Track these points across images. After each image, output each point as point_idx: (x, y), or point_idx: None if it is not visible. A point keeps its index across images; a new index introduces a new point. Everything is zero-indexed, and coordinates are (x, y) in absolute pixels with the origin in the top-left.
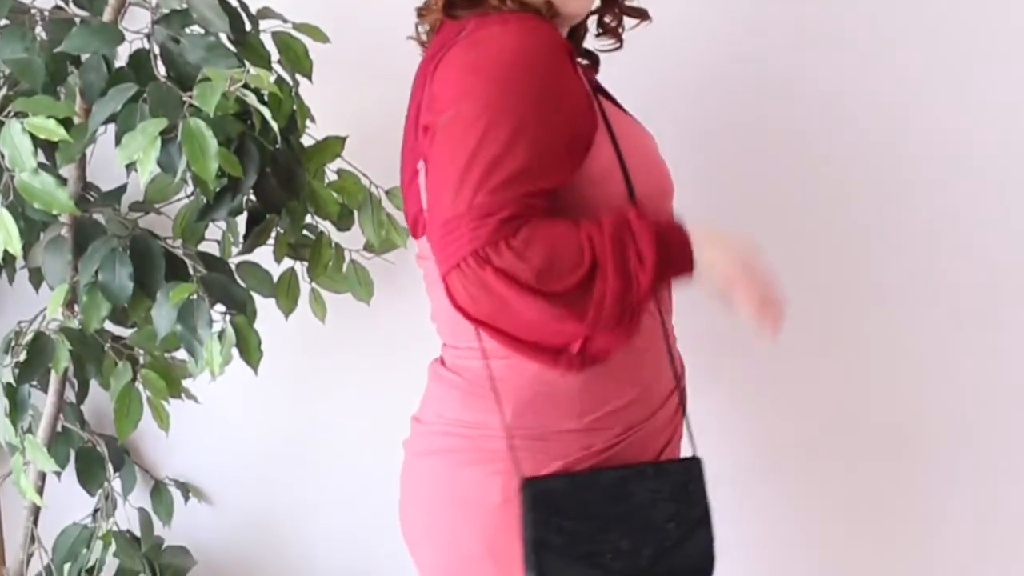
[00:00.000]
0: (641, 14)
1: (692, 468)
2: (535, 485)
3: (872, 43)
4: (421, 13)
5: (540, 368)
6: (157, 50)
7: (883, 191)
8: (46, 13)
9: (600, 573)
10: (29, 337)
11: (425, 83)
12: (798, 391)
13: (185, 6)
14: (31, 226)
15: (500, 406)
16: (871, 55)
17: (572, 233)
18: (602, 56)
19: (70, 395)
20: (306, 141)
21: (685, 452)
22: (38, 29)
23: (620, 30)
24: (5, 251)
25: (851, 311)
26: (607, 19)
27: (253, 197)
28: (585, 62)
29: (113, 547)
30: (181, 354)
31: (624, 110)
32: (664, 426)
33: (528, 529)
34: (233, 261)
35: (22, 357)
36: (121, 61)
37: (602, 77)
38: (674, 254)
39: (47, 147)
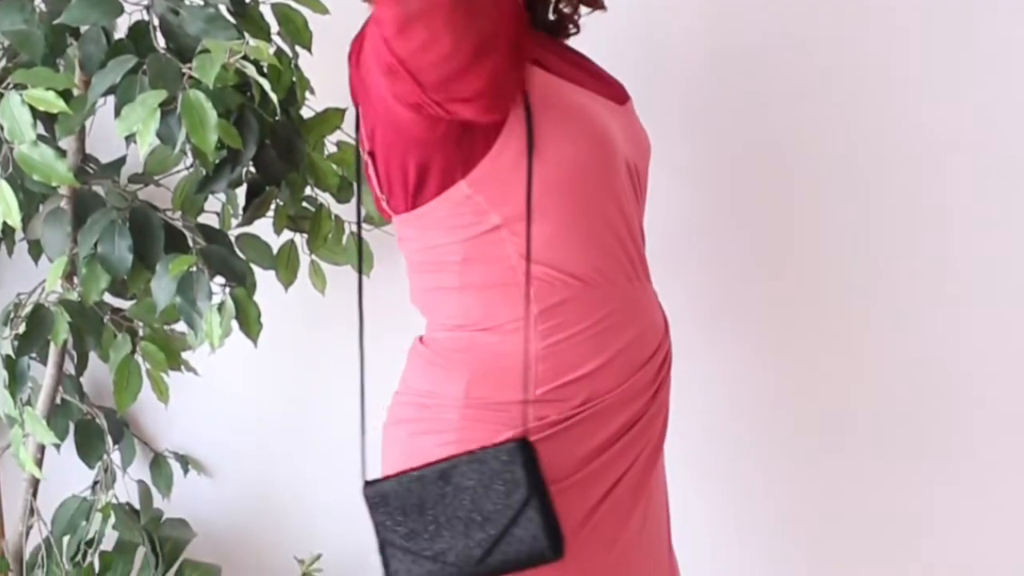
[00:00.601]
0: (595, 3)
1: (513, 452)
2: (370, 487)
3: (871, 41)
4: None
5: (499, 339)
6: (156, 22)
7: (883, 187)
8: None
9: (440, 568)
10: (28, 309)
11: None
12: (796, 384)
13: None
14: (30, 198)
15: (457, 376)
16: (874, 54)
17: None
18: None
19: (69, 367)
20: (306, 113)
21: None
22: (37, 1)
23: (576, 17)
24: (4, 223)
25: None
26: (562, 5)
27: (253, 169)
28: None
29: (112, 519)
30: (180, 326)
31: (595, 91)
32: (639, 393)
33: (375, 531)
34: (232, 233)
35: (21, 329)
36: (120, 33)
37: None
38: None
39: (46, 119)
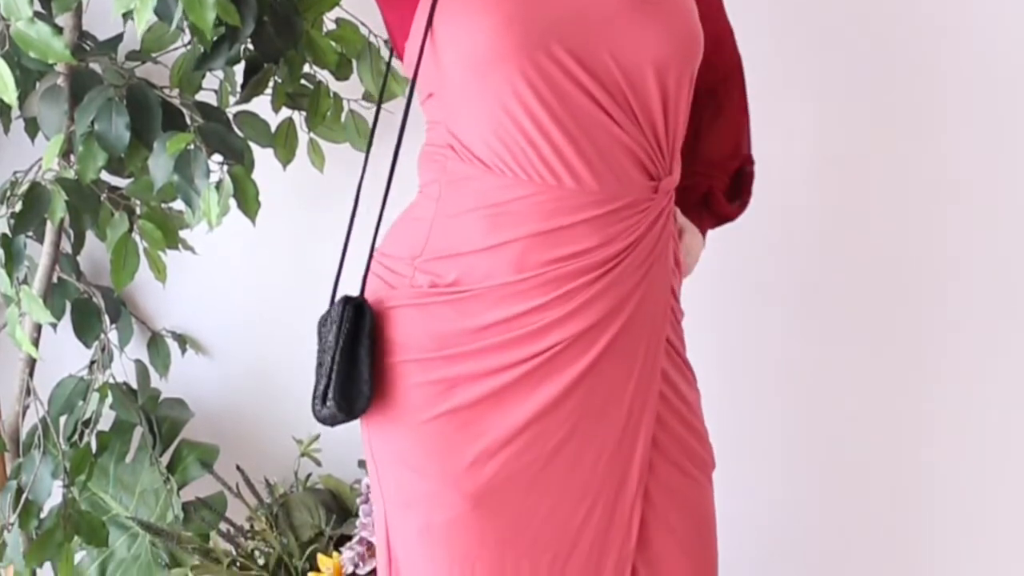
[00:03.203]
0: None
1: (340, 306)
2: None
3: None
4: None
5: (420, 201)
6: None
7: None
8: None
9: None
10: (25, 187)
11: None
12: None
13: None
14: (27, 76)
15: (399, 234)
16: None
17: None
18: None
19: (66, 246)
20: None
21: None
22: None
23: None
24: (1, 101)
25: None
26: None
27: (251, 46)
28: None
29: (109, 399)
30: (178, 205)
31: None
32: (524, 296)
33: None
34: (230, 111)
35: (18, 208)
36: None
37: None
38: None
39: None
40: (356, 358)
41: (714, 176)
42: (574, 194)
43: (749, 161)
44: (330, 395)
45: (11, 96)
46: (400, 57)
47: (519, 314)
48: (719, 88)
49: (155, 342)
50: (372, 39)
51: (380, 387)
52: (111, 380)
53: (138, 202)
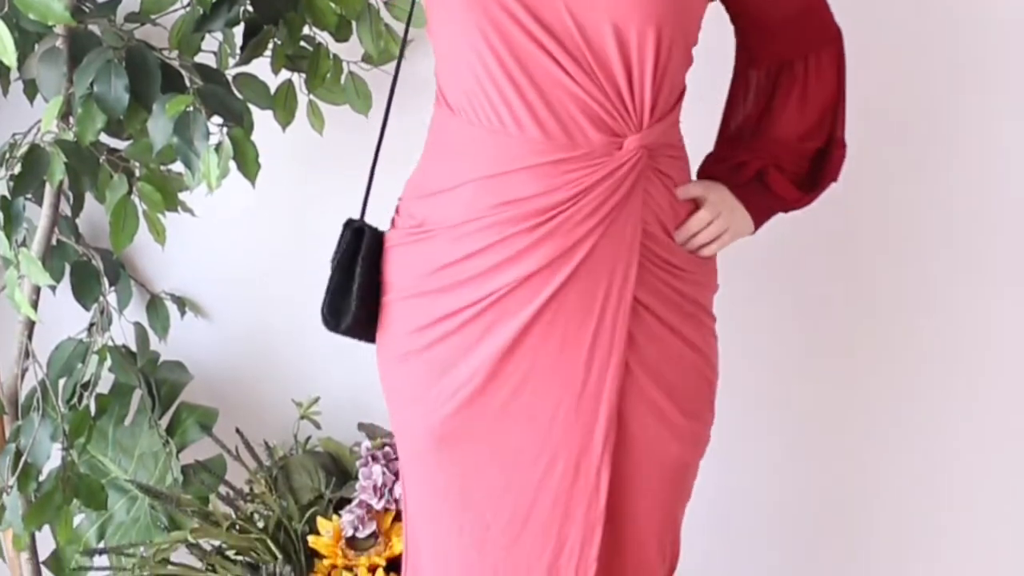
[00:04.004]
0: None
1: (345, 226)
2: None
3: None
4: None
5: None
6: None
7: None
8: None
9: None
10: (24, 149)
11: None
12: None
13: None
14: (26, 37)
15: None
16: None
17: None
18: None
19: (65, 208)
20: None
21: None
22: None
23: None
24: (0, 63)
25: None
26: None
27: (250, 7)
28: None
29: (108, 362)
30: (178, 167)
31: None
32: (476, 235)
33: None
34: (230, 73)
35: (17, 170)
36: None
37: None
38: None
39: None
40: (351, 277)
41: (780, 155)
42: (517, 141)
43: (837, 145)
44: (323, 307)
45: (10, 58)
46: None
47: (464, 257)
48: (798, 62)
49: (154, 304)
50: (371, 0)
51: (380, 325)
52: (110, 343)
53: (137, 164)
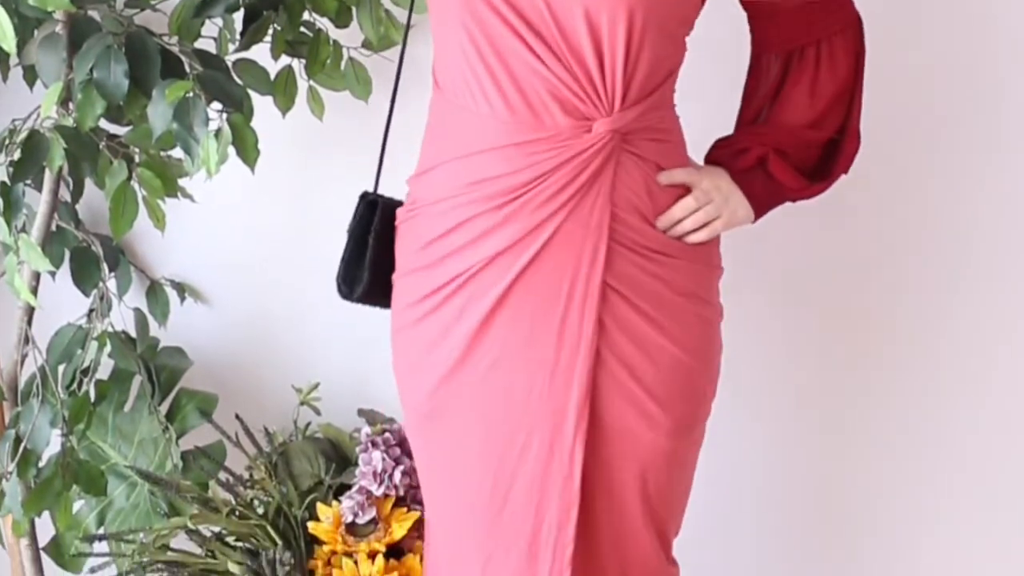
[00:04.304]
0: None
1: (360, 198)
2: None
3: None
4: None
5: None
6: None
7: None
8: None
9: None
10: (23, 135)
11: None
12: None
13: None
14: (25, 23)
15: None
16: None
17: None
18: None
19: (65, 194)
20: None
21: None
22: None
23: None
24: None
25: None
26: None
27: None
28: None
29: (108, 348)
30: (177, 153)
31: None
32: (454, 211)
33: None
34: (230, 58)
35: (16, 156)
36: None
37: None
38: None
39: None
40: (364, 247)
41: (783, 142)
42: (489, 122)
43: (850, 136)
44: (338, 276)
45: (10, 44)
46: None
47: (443, 233)
48: (810, 48)
49: (154, 290)
50: None
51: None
52: (110, 328)
53: (137, 150)
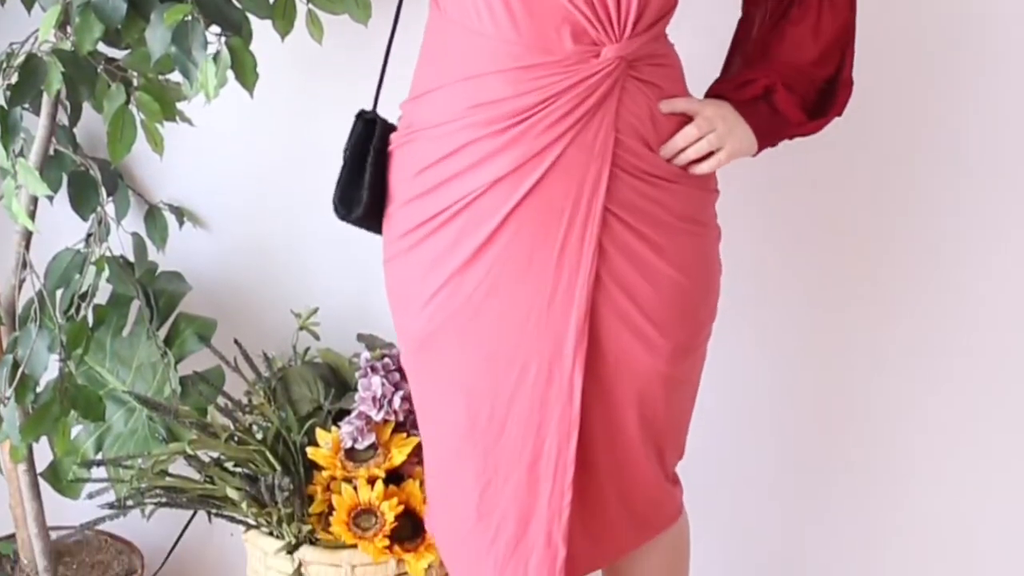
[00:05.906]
0: None
1: (357, 117)
2: None
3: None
4: None
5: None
6: None
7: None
8: None
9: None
10: (21, 59)
11: None
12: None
13: None
14: None
15: None
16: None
17: None
18: None
19: (63, 118)
20: None
21: None
22: None
23: None
24: None
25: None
26: None
27: None
28: None
29: (106, 272)
30: (176, 76)
31: None
32: (457, 135)
33: None
34: None
35: (14, 79)
36: None
37: None
38: None
39: None
40: (362, 168)
41: (790, 76)
42: (493, 44)
43: (844, 84)
44: (334, 196)
45: None
46: None
47: (440, 158)
48: None
49: (152, 215)
50: None
51: (383, 232)
52: (108, 253)
53: (135, 74)
